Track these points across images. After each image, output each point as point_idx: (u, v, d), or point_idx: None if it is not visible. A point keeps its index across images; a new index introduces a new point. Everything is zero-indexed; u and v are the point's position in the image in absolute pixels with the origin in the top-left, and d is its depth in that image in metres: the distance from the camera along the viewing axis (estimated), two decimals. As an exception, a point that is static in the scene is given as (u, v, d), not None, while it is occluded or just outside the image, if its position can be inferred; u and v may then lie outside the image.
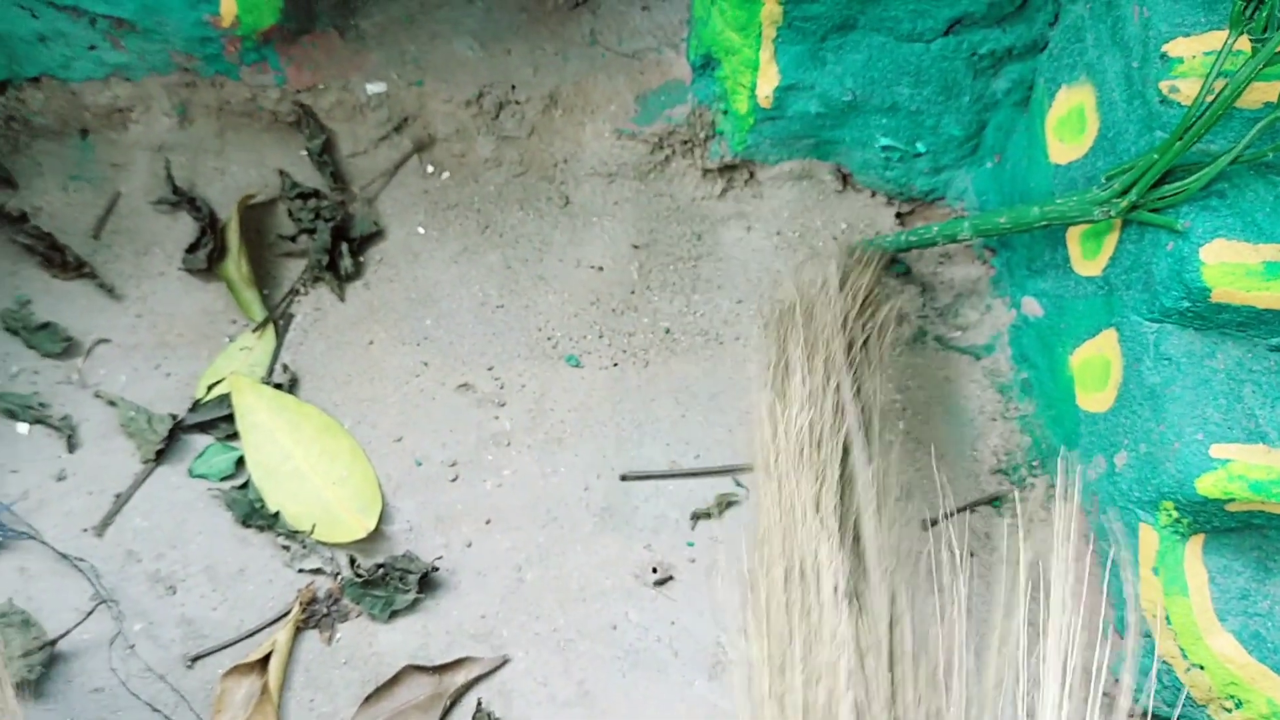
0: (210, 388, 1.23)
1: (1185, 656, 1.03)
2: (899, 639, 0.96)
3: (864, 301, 1.18)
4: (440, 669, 1.11)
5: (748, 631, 0.97)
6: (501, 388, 1.27)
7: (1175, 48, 1.01)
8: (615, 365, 1.29)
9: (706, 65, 1.31)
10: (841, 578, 0.95)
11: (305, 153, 1.35)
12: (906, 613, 0.97)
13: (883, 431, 1.09)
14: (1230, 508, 0.99)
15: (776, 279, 1.33)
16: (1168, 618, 1.03)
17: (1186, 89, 1.00)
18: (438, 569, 1.16)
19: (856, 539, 1.01)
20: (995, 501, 1.23)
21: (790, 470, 1.02)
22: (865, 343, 1.15)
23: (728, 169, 1.36)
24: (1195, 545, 1.03)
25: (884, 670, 0.93)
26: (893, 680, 0.94)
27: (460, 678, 1.11)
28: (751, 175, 1.37)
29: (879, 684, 0.93)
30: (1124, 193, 1.02)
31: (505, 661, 1.13)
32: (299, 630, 1.12)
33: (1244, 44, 0.93)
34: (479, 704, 1.10)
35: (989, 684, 0.92)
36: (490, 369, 1.28)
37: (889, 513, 1.04)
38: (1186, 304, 1.00)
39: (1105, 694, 1.11)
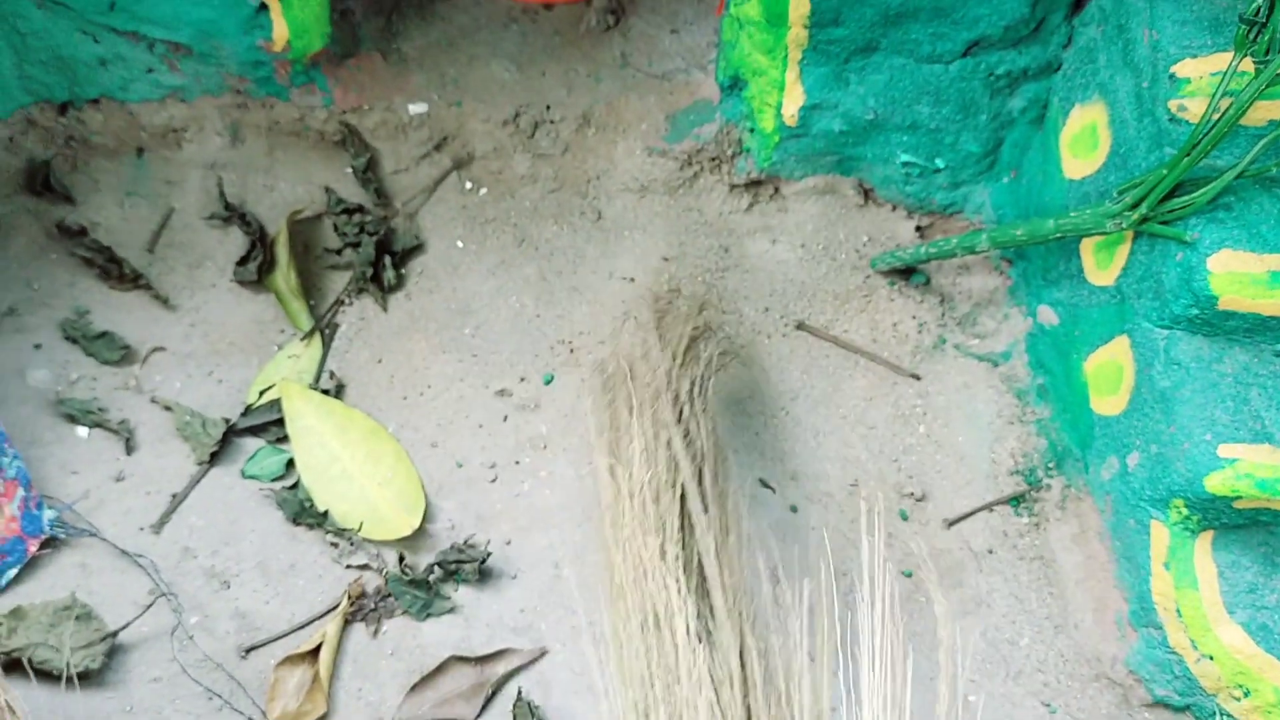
0: (261, 393, 1.29)
1: (1195, 648, 1.07)
2: (750, 669, 1.02)
3: (686, 350, 1.22)
4: (482, 660, 1.16)
5: (610, 683, 1.03)
6: (537, 394, 1.32)
7: (1183, 69, 1.06)
8: (646, 372, 1.34)
9: (734, 86, 1.37)
10: (692, 620, 1.01)
11: (350, 170, 1.41)
12: (753, 645, 1.03)
13: (717, 476, 1.15)
14: (1238, 505, 1.03)
15: (801, 289, 1.39)
16: (1178, 611, 1.08)
17: (1194, 108, 1.05)
18: (491, 553, 1.21)
19: (703, 581, 1.07)
20: (1013, 501, 1.28)
21: (635, 526, 1.07)
22: (691, 391, 1.19)
23: (754, 184, 1.42)
24: (1205, 541, 1.08)
25: (739, 699, 0.99)
26: (748, 706, 1.00)
27: (501, 668, 1.16)
28: (777, 190, 1.42)
29: (735, 712, 0.98)
30: (1135, 206, 1.08)
31: (544, 653, 1.18)
32: (347, 623, 1.18)
33: (1248, 65, 0.98)
34: (519, 693, 1.15)
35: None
36: (526, 376, 1.33)
37: (728, 555, 1.09)
38: (1195, 311, 1.05)
39: (1118, 684, 1.16)
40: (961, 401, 1.34)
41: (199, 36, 1.29)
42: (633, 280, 1.39)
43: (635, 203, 1.43)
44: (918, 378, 1.35)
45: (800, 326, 1.35)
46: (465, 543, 1.21)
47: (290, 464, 1.26)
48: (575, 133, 1.43)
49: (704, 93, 1.42)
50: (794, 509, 1.27)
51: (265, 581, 1.20)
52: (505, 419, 1.31)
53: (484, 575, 1.21)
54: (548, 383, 1.31)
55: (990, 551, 1.25)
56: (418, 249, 1.40)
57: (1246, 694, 1.06)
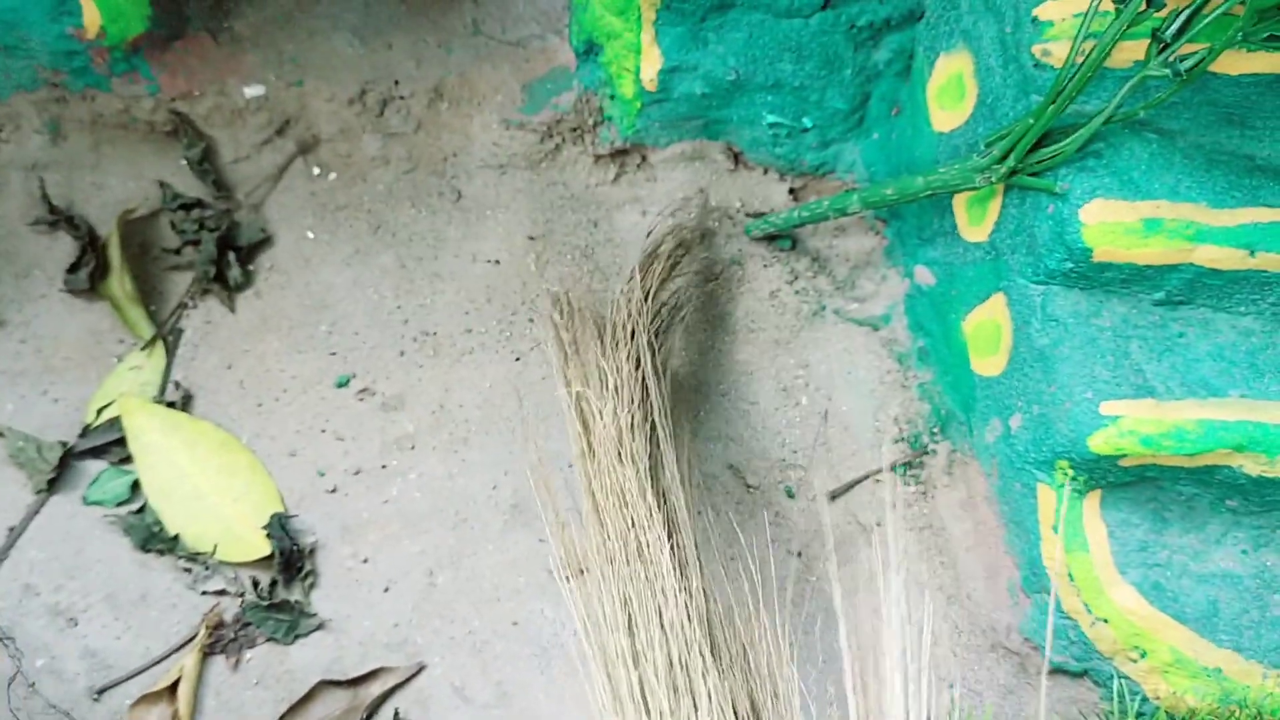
0: (100, 411, 1.20)
1: (1089, 611, 1.05)
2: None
3: (659, 286, 1.22)
4: (355, 681, 1.10)
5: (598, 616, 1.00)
6: (402, 390, 1.25)
7: (1045, 11, 1.02)
8: (517, 359, 1.28)
9: (590, 51, 1.29)
10: (666, 549, 1.00)
11: (185, 162, 1.31)
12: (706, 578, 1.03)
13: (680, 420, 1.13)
14: (1123, 463, 1.00)
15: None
16: (1070, 574, 1.05)
17: (1058, 52, 1.01)
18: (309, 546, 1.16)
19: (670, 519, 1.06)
20: (899, 469, 1.24)
21: (611, 457, 1.05)
22: (661, 327, 1.19)
23: (619, 154, 1.35)
24: (1093, 501, 1.05)
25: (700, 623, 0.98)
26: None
27: (376, 689, 1.10)
28: (644, 159, 1.36)
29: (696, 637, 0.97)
30: (1003, 158, 1.03)
31: (421, 669, 1.12)
32: (206, 655, 1.10)
33: (1109, 6, 0.94)
34: (396, 714, 1.09)
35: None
36: (390, 372, 1.26)
37: (689, 493, 1.10)
38: (1069, 265, 1.01)
39: (1014, 652, 1.13)
40: (843, 369, 1.29)
41: (1, 27, 1.18)
42: (497, 263, 1.32)
43: (496, 180, 1.36)
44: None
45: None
46: (294, 547, 1.14)
47: (136, 486, 1.17)
48: (427, 108, 1.35)
49: (561, 59, 1.34)
50: (677, 493, 1.22)
51: (115, 615, 1.12)
52: (368, 420, 1.23)
53: (336, 579, 1.14)
54: (341, 384, 1.23)
55: (879, 524, 1.21)
56: (265, 243, 1.31)
57: (1143, 655, 1.04)
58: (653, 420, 1.11)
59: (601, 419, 1.07)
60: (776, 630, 0.97)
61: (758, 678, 0.97)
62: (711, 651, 0.96)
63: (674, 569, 0.99)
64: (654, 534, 1.00)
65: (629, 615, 0.98)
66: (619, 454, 1.05)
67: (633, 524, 1.02)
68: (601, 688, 0.96)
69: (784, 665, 0.96)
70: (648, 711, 0.93)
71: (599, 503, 1.05)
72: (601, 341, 1.15)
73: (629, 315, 1.15)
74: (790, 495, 1.22)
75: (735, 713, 0.94)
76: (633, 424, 1.08)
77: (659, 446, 1.09)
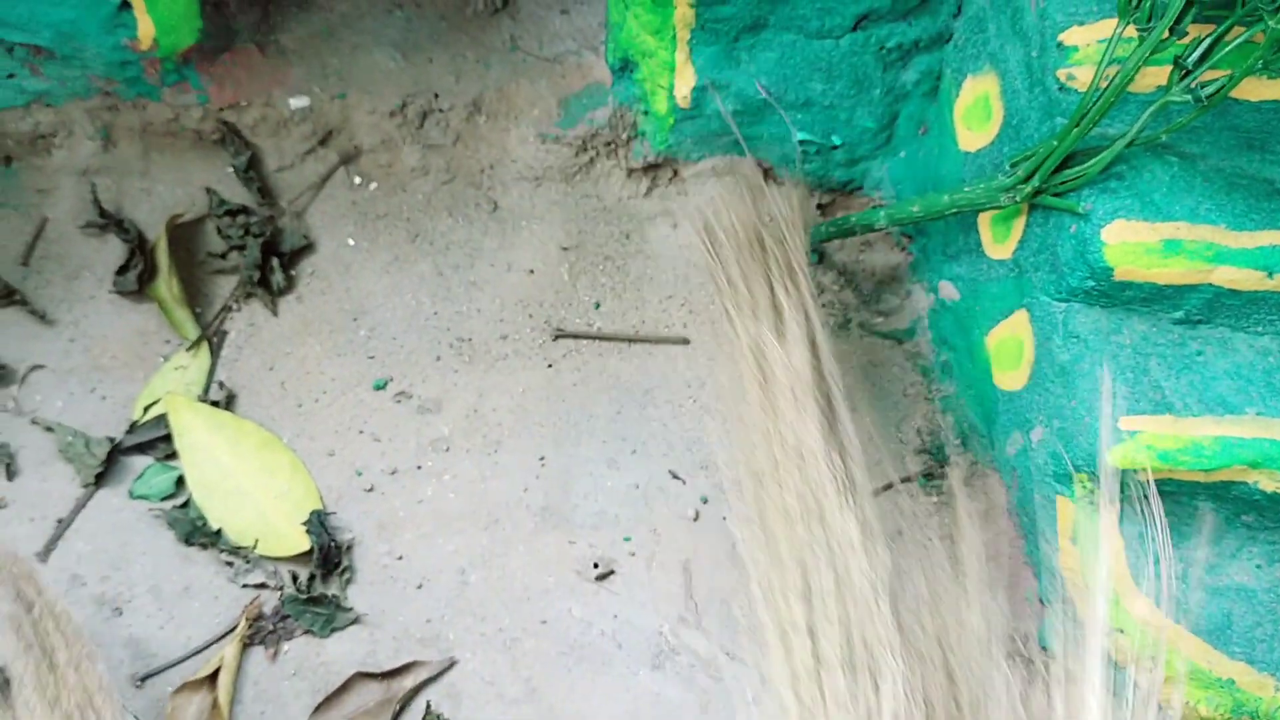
0: (147, 408, 1.24)
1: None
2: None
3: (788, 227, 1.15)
4: (388, 674, 1.13)
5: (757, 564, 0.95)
6: (438, 394, 1.28)
7: (1070, 36, 1.05)
8: (550, 366, 1.31)
9: (625, 68, 1.33)
10: (854, 523, 0.95)
11: (231, 169, 1.36)
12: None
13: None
14: (1141, 477, 1.03)
15: (705, 274, 1.36)
16: (1087, 585, 1.07)
17: (1083, 76, 1.03)
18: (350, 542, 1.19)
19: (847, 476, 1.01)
20: (921, 480, 1.26)
21: (787, 409, 0.99)
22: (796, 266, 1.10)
23: (652, 168, 1.39)
24: (1111, 515, 1.07)
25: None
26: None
27: (409, 682, 1.13)
28: (675, 173, 1.39)
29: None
30: (1028, 179, 1.06)
31: (453, 663, 1.15)
32: (246, 646, 1.14)
33: (1132, 32, 0.96)
34: (428, 706, 1.12)
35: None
36: (426, 376, 1.29)
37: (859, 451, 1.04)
38: (1091, 283, 1.04)
39: (1032, 660, 1.15)
40: (867, 381, 1.32)
41: (60, 39, 1.23)
42: (532, 272, 1.36)
43: (531, 191, 1.39)
44: (686, 341, 1.32)
45: (558, 335, 1.30)
46: (332, 543, 1.18)
47: (180, 481, 1.21)
48: (466, 121, 1.39)
49: (596, 75, 1.38)
50: (705, 500, 1.24)
51: (159, 606, 1.16)
52: (405, 422, 1.27)
53: (372, 575, 1.18)
54: (379, 386, 1.25)
55: (900, 533, 1.24)
56: (307, 249, 1.35)
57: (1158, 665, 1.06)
58: (823, 372, 1.04)
59: (780, 364, 0.99)
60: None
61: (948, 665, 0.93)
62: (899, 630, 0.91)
63: (858, 536, 0.94)
64: (836, 498, 0.95)
65: (805, 583, 0.93)
66: (797, 407, 0.98)
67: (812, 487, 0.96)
68: (778, 659, 0.91)
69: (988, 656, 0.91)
70: (822, 692, 0.89)
71: (778, 459, 0.98)
72: (770, 279, 1.06)
73: (795, 243, 1.07)
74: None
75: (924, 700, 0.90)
76: (815, 374, 0.99)
77: (832, 404, 1.02)
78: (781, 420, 0.99)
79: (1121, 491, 1.05)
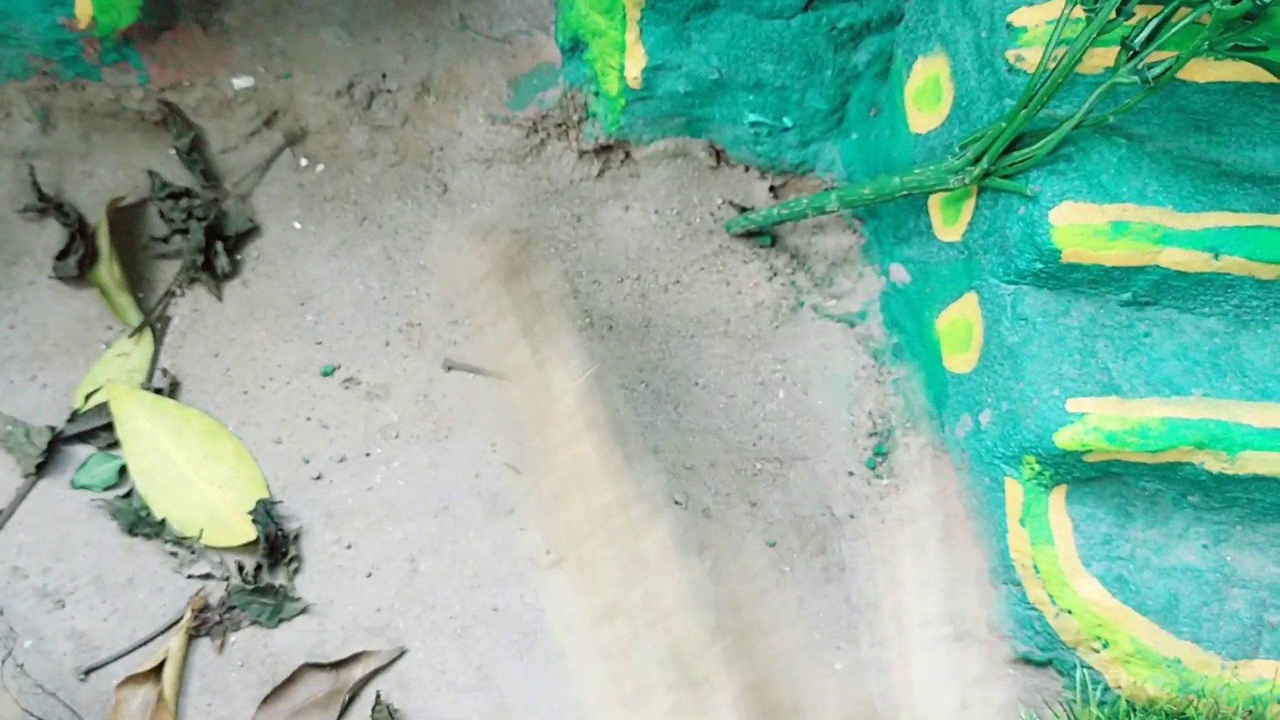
0: (88, 397, 1.22)
1: (1054, 602, 1.08)
2: None
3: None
4: (337, 665, 1.12)
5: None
6: (387, 380, 1.27)
7: (1019, 17, 1.04)
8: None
9: (575, 48, 1.31)
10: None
11: (174, 151, 1.33)
12: None
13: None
14: (1088, 458, 1.03)
15: (658, 256, 1.35)
16: (1035, 566, 1.08)
17: (1031, 57, 1.03)
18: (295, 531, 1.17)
19: None
20: (869, 462, 1.26)
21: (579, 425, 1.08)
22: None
23: (603, 150, 1.37)
24: (1059, 496, 1.08)
25: None
26: None
27: (358, 672, 1.12)
28: (627, 155, 1.38)
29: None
30: (976, 160, 1.06)
31: (403, 653, 1.14)
32: (192, 637, 1.12)
33: (1080, 13, 0.96)
34: (378, 696, 1.11)
35: None
36: (375, 362, 1.28)
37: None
38: (1039, 265, 1.04)
39: (981, 642, 1.16)
40: (820, 364, 1.32)
41: (-7, 16, 1.20)
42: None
43: (482, 173, 1.38)
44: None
45: (448, 368, 1.27)
46: (279, 532, 1.16)
47: (123, 471, 1.19)
48: (414, 102, 1.37)
49: (547, 55, 1.36)
50: (656, 483, 1.24)
51: (102, 598, 1.14)
52: (353, 409, 1.25)
53: (320, 564, 1.16)
54: (327, 373, 1.25)
55: (852, 516, 1.24)
56: (252, 232, 1.33)
57: (1105, 645, 1.07)
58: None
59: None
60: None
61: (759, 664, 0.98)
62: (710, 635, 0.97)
63: (658, 552, 1.00)
64: (632, 515, 1.01)
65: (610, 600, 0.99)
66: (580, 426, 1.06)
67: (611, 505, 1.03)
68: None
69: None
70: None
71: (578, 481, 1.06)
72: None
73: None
74: (766, 486, 1.25)
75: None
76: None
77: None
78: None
79: (1069, 473, 1.06)
